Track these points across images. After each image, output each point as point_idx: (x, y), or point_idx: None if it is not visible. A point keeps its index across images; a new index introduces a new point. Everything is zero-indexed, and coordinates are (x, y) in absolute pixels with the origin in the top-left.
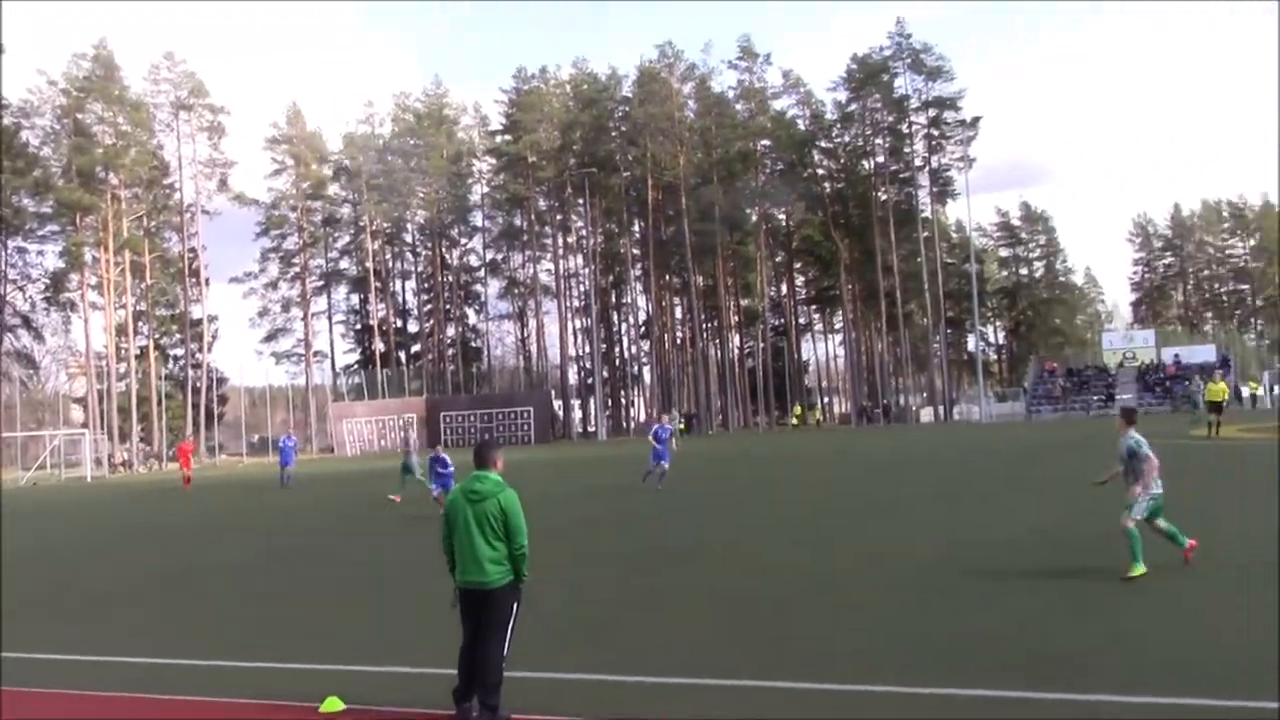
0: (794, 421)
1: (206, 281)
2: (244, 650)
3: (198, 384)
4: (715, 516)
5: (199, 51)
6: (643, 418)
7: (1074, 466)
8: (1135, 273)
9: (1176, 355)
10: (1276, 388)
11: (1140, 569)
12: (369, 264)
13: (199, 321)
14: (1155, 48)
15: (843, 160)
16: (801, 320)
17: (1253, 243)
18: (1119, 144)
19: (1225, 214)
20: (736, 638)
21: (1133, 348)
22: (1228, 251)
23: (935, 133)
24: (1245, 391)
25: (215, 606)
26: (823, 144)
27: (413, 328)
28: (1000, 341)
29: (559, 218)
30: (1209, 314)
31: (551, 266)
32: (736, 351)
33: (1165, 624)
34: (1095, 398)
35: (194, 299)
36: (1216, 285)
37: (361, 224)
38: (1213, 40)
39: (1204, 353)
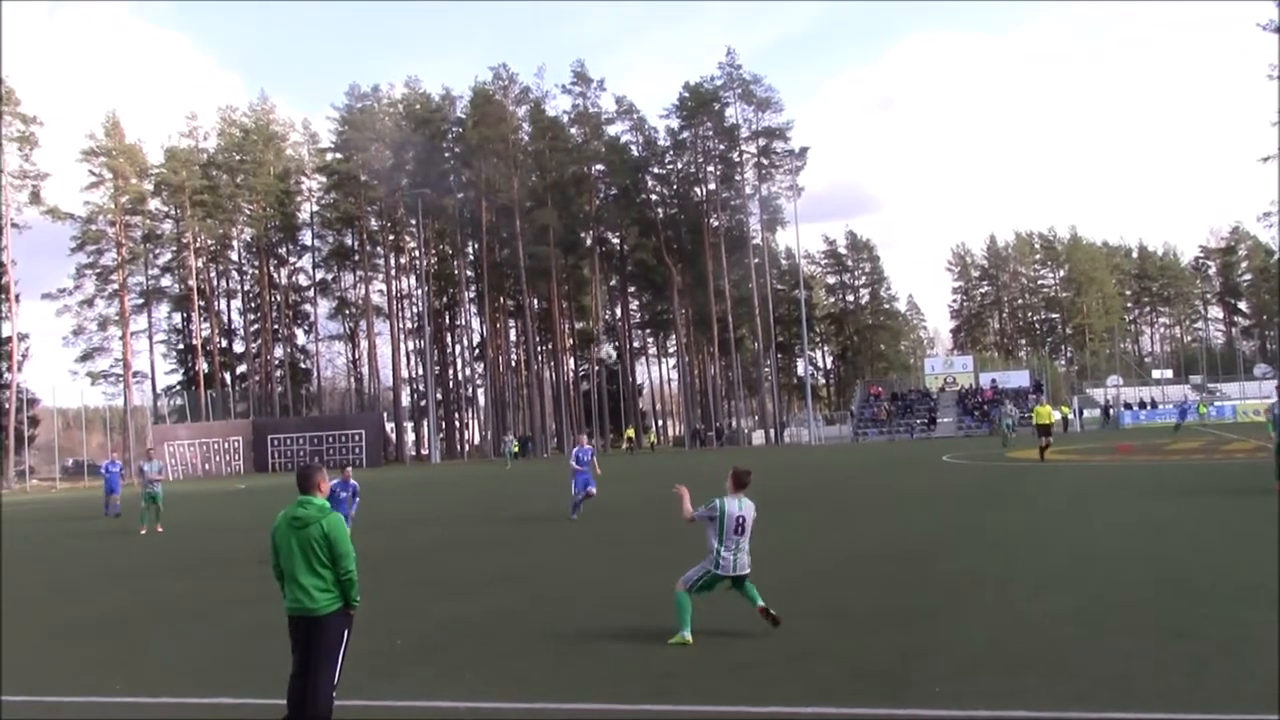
0: (625, 445)
1: (16, 298)
2: (58, 686)
3: (6, 405)
4: (548, 540)
5: (9, 59)
6: (476, 440)
7: (905, 486)
8: (955, 301)
9: (993, 380)
10: (1086, 412)
11: (682, 638)
12: (192, 282)
13: (8, 340)
14: (973, 84)
15: (675, 186)
16: (635, 344)
17: (1062, 273)
18: (940, 177)
19: (1037, 245)
20: (565, 662)
21: (953, 372)
22: (1039, 281)
23: (765, 161)
24: (1056, 415)
25: (19, 639)
26: (656, 170)
27: (239, 348)
28: (828, 366)
29: (391, 238)
30: (1023, 341)
31: (384, 287)
32: (571, 374)
33: (987, 635)
34: (918, 420)
35: (3, 316)
36: (1029, 313)
37: (185, 240)
38: (1024, 78)
39: (1018, 378)
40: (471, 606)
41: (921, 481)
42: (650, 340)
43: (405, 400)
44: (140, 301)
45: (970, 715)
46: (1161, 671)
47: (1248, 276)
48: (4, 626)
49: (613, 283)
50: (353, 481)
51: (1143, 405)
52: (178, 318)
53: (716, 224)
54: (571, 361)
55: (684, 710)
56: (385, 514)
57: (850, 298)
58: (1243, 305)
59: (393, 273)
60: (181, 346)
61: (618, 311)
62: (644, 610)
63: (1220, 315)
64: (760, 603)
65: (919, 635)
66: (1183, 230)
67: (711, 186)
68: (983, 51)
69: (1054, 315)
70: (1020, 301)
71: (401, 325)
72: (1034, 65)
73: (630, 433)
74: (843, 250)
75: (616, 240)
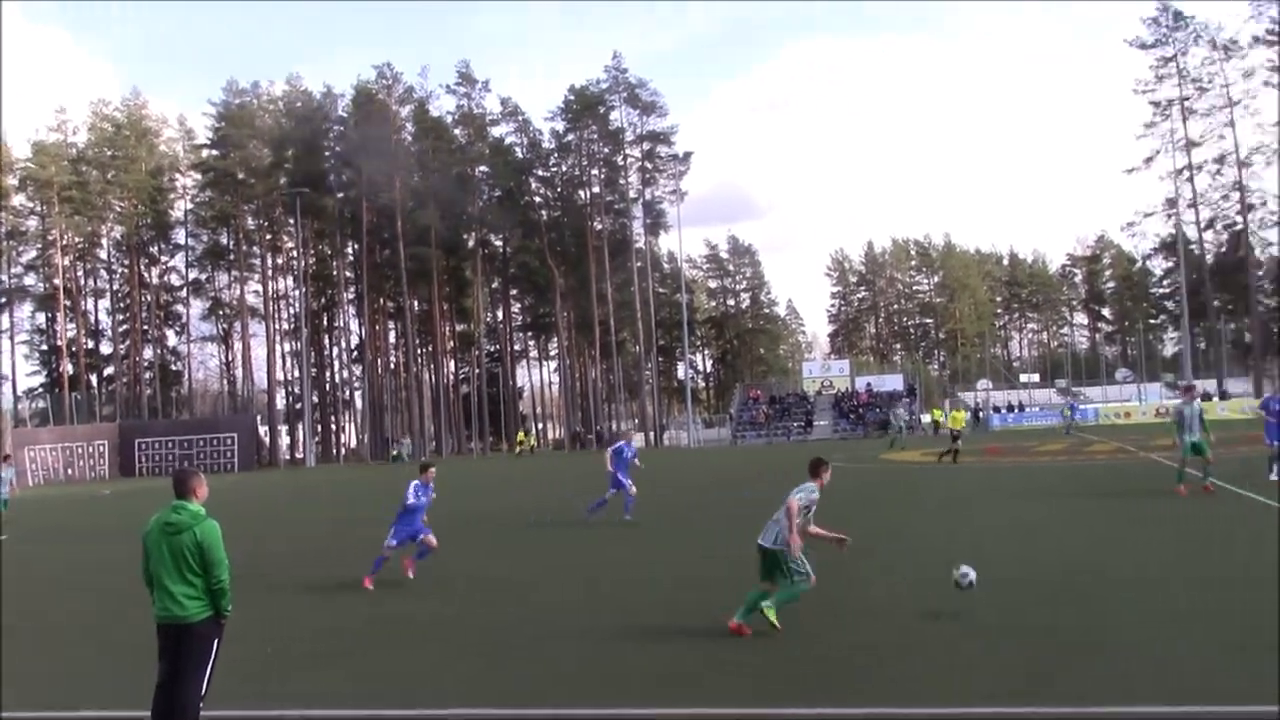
0: (518, 448)
1: None
2: None
3: None
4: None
5: None
6: (353, 443)
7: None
8: (833, 306)
9: (869, 384)
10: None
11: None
12: (58, 281)
13: None
14: (854, 90)
15: (559, 189)
16: (517, 346)
17: (936, 280)
18: (822, 184)
19: (913, 252)
20: (448, 665)
21: (830, 376)
22: (914, 287)
23: (649, 166)
24: (926, 419)
25: None
26: (540, 172)
27: (106, 349)
28: (709, 369)
29: (269, 237)
30: (898, 345)
31: (260, 287)
32: (451, 377)
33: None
34: (796, 424)
35: None
36: (905, 318)
37: (50, 238)
38: (900, 85)
39: (893, 381)
40: (359, 612)
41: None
42: (532, 343)
43: (280, 403)
44: (1, 300)
45: (839, 713)
46: (1012, 668)
47: (1111, 284)
48: None
49: (495, 285)
50: (431, 484)
51: (1011, 408)
52: (41, 318)
53: (600, 227)
54: (452, 364)
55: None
56: (289, 516)
57: (731, 302)
58: (1106, 312)
59: (269, 273)
60: (45, 347)
61: (499, 314)
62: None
63: (1085, 321)
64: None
65: (786, 641)
66: (1051, 239)
67: (596, 190)
68: (861, 58)
69: (928, 320)
70: (896, 307)
71: (278, 326)
72: (910, 72)
73: (523, 436)
74: (725, 255)
75: (499, 242)
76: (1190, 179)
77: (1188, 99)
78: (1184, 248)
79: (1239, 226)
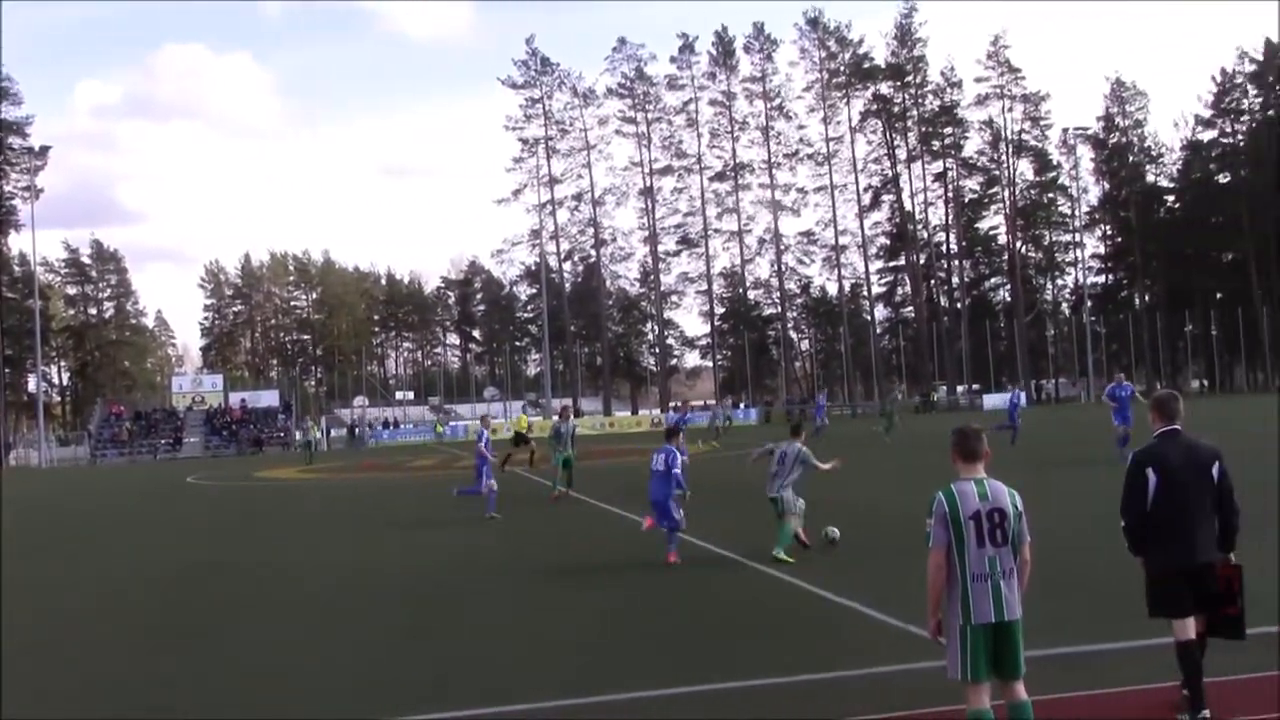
0: None
1: None
2: None
3: None
4: None
5: None
6: None
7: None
8: (207, 318)
9: (243, 400)
10: (334, 431)
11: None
12: None
13: None
14: (238, 98)
15: None
16: None
17: (315, 296)
18: (197, 193)
19: (291, 267)
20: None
21: (202, 391)
22: (293, 303)
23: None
24: (299, 435)
25: None
26: None
27: None
28: (65, 383)
29: None
30: (274, 360)
31: None
32: None
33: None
34: (163, 441)
35: None
36: (282, 334)
37: None
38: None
39: (269, 397)
40: None
41: (158, 507)
42: None
43: None
44: None
45: None
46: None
47: (482, 307)
48: None
49: None
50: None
51: (386, 425)
52: None
53: None
54: None
55: None
56: None
57: (93, 311)
58: (477, 333)
59: None
60: None
61: None
62: None
63: (457, 341)
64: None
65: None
66: (429, 262)
67: None
68: (242, 68)
69: (306, 336)
70: (273, 322)
71: None
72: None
73: None
74: (87, 259)
75: None
76: (553, 213)
77: (552, 139)
78: (546, 276)
79: (593, 259)
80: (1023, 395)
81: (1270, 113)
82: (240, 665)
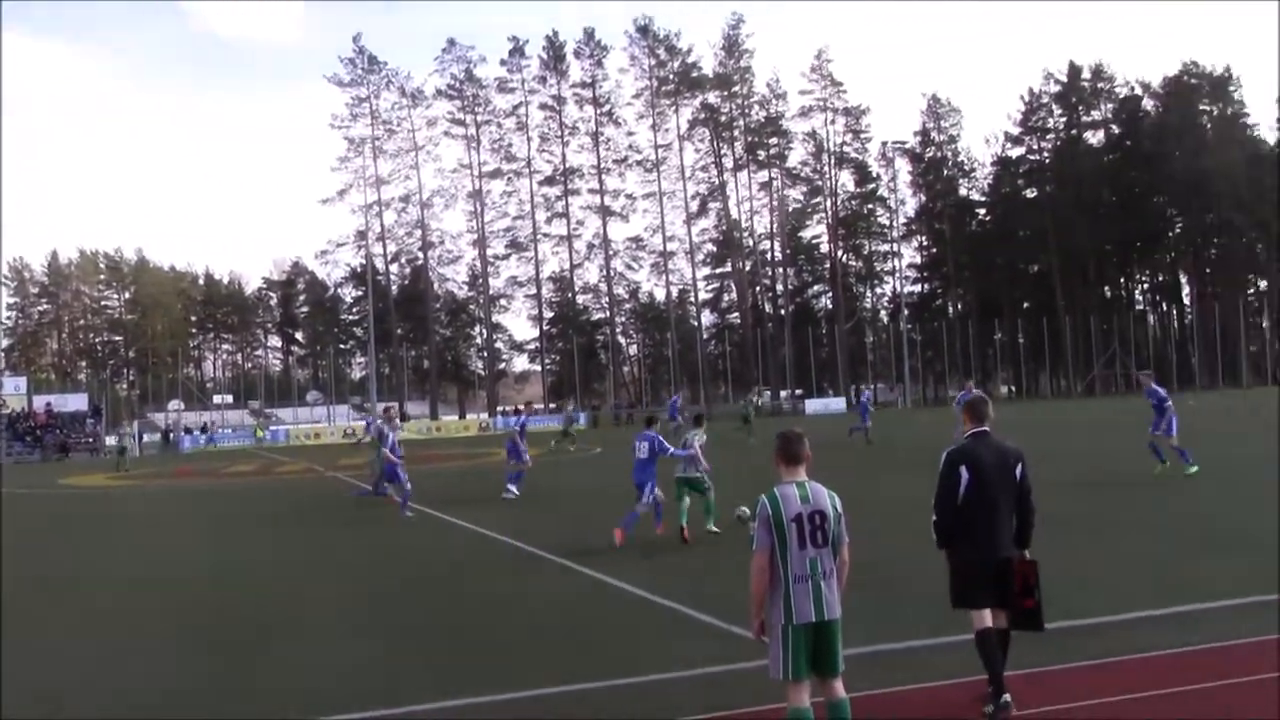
0: None
1: None
2: None
3: None
4: None
5: None
6: None
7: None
8: (9, 318)
9: (49, 403)
10: (147, 436)
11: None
12: None
13: None
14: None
15: None
16: None
17: (128, 296)
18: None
19: (102, 266)
20: None
21: (3, 394)
22: (104, 303)
23: None
24: (111, 440)
25: None
26: None
27: None
28: None
29: None
30: (83, 362)
31: None
32: None
33: None
34: None
35: None
36: (92, 335)
37: None
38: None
39: (77, 400)
40: None
41: None
42: None
43: None
44: None
45: None
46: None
47: (305, 309)
48: None
49: None
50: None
51: (204, 430)
52: None
53: None
54: None
55: None
56: None
57: None
58: (299, 335)
59: None
60: None
61: None
62: None
63: (279, 344)
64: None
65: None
66: (250, 262)
67: None
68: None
69: (118, 338)
70: (82, 322)
71: None
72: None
73: None
74: None
75: None
76: (379, 214)
77: (379, 139)
78: (372, 278)
79: (420, 262)
80: (870, 395)
81: (1074, 132)
82: None
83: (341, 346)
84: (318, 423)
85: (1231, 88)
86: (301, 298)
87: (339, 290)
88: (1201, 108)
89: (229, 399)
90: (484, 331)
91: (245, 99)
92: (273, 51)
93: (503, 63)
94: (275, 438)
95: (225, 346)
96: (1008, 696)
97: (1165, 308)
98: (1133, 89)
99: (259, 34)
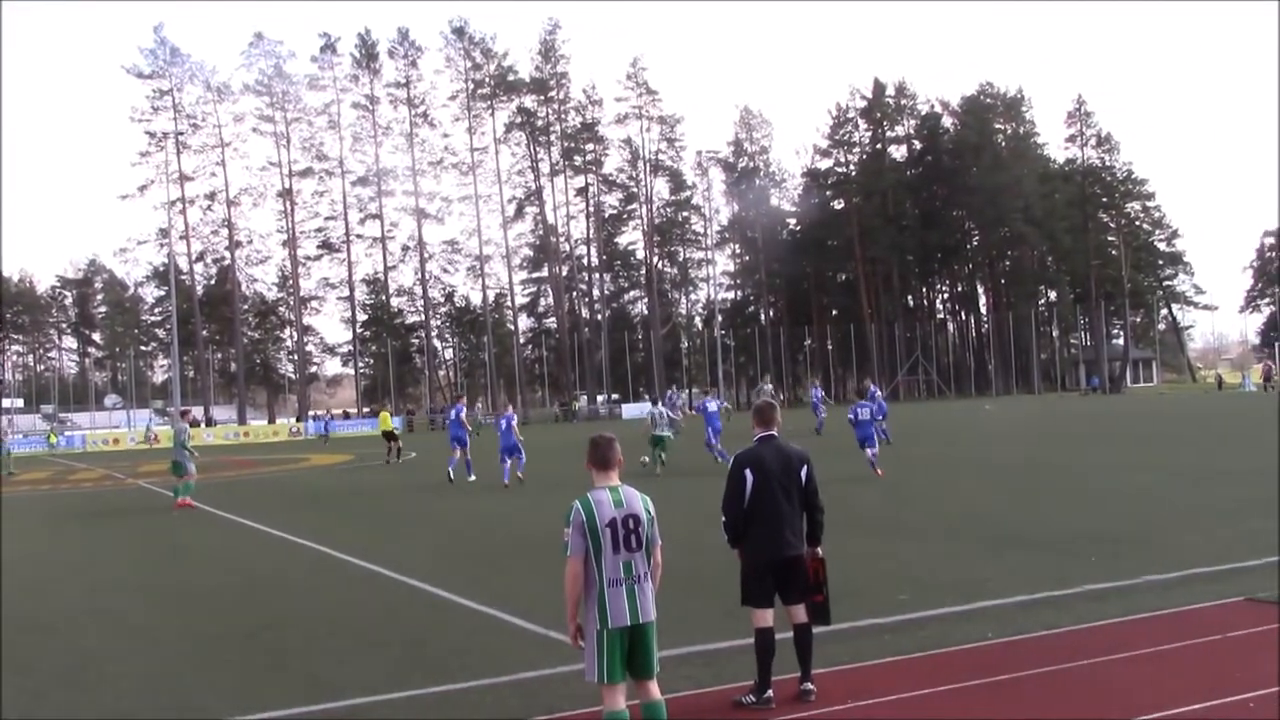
0: None
1: None
2: None
3: None
4: None
5: None
6: None
7: None
8: None
9: None
10: None
11: None
12: None
13: None
14: None
15: None
16: None
17: None
18: None
19: None
20: None
21: None
22: None
23: None
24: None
25: None
26: None
27: None
28: None
29: None
30: None
31: None
32: None
33: None
34: None
35: None
36: None
37: None
38: None
39: None
40: None
41: None
42: None
43: None
44: None
45: None
46: None
47: (103, 309)
48: None
49: None
50: None
51: None
52: None
53: None
54: None
55: None
56: None
57: None
58: (97, 336)
59: None
60: None
61: None
62: None
63: (75, 345)
64: None
65: None
66: (42, 260)
67: None
68: None
69: None
70: None
71: None
72: None
73: None
74: None
75: None
76: (183, 211)
77: (183, 133)
78: (175, 277)
79: (227, 261)
80: (821, 391)
81: (878, 146)
82: None
83: (143, 348)
84: (117, 428)
85: (1024, 108)
86: (99, 297)
87: (140, 290)
88: (996, 126)
89: (19, 403)
90: (295, 334)
91: (36, 86)
92: (69, 38)
93: (313, 59)
94: (70, 443)
95: (15, 348)
96: (770, 693)
97: (964, 317)
98: (933, 107)
99: (55, 19)
